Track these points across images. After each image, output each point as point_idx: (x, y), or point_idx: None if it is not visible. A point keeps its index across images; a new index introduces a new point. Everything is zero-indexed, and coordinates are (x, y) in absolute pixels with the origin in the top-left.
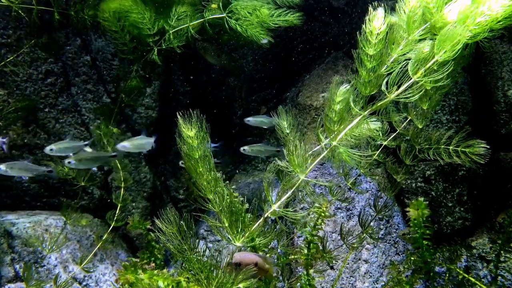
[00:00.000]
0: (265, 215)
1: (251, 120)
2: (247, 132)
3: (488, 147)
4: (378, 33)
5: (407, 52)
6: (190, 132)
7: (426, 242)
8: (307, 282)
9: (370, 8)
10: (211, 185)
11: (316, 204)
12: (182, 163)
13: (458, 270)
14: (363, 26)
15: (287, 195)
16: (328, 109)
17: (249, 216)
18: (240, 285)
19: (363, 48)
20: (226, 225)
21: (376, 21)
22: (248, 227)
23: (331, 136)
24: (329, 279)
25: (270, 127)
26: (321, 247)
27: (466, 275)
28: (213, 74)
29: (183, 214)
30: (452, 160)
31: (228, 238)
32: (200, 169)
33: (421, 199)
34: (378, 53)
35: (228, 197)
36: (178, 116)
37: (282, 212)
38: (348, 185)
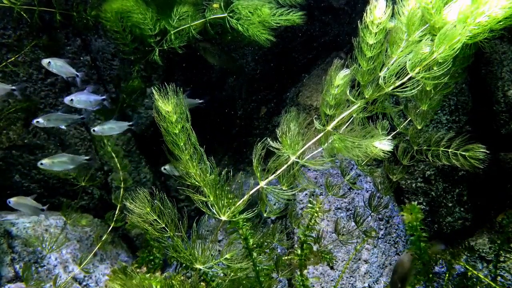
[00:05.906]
0: (251, 192)
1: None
2: (247, 132)
3: (488, 151)
4: (379, 23)
5: (408, 54)
6: (167, 107)
7: (423, 245)
8: (301, 283)
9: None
10: (194, 159)
11: (309, 204)
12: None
13: (467, 266)
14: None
15: (278, 172)
16: (325, 93)
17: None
18: (227, 255)
19: (364, 37)
20: (211, 199)
21: (378, 10)
22: (234, 202)
23: (326, 122)
24: (329, 279)
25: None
26: (318, 247)
27: (475, 272)
28: (214, 74)
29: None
30: (451, 163)
31: (214, 212)
32: (182, 144)
33: (414, 203)
34: (378, 42)
35: (212, 169)
36: (154, 91)
37: (268, 189)
38: (345, 181)
